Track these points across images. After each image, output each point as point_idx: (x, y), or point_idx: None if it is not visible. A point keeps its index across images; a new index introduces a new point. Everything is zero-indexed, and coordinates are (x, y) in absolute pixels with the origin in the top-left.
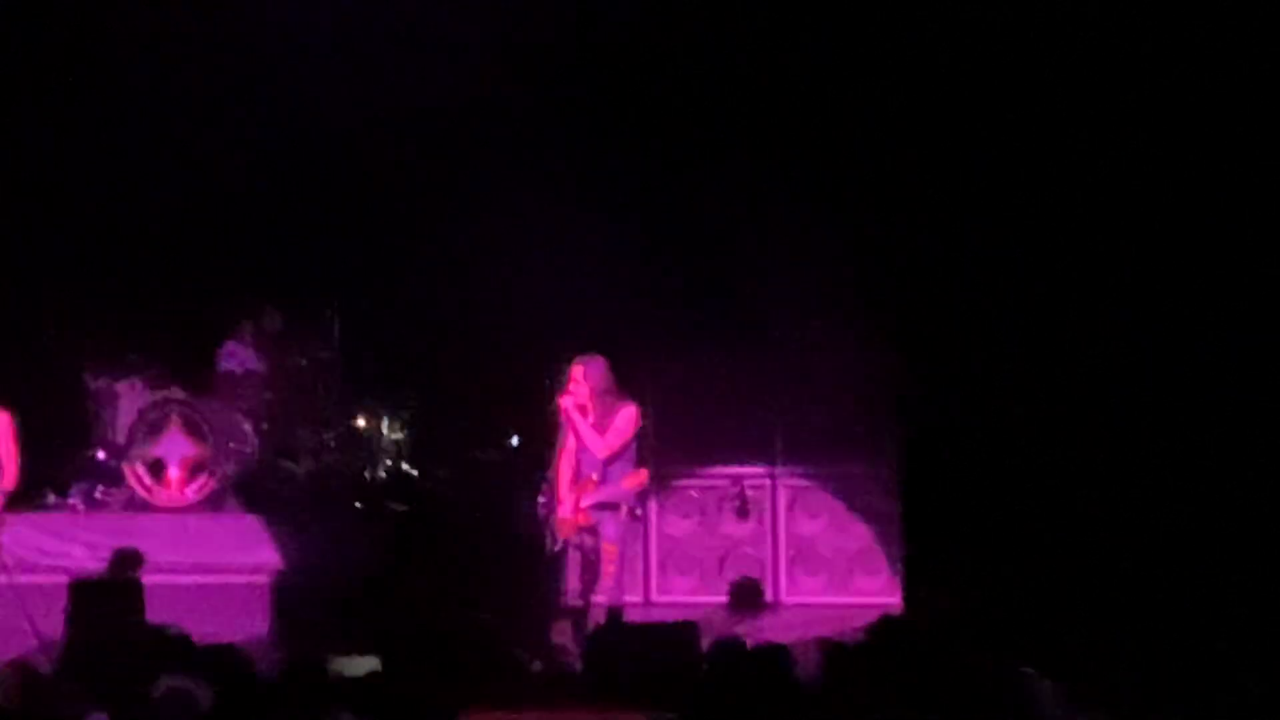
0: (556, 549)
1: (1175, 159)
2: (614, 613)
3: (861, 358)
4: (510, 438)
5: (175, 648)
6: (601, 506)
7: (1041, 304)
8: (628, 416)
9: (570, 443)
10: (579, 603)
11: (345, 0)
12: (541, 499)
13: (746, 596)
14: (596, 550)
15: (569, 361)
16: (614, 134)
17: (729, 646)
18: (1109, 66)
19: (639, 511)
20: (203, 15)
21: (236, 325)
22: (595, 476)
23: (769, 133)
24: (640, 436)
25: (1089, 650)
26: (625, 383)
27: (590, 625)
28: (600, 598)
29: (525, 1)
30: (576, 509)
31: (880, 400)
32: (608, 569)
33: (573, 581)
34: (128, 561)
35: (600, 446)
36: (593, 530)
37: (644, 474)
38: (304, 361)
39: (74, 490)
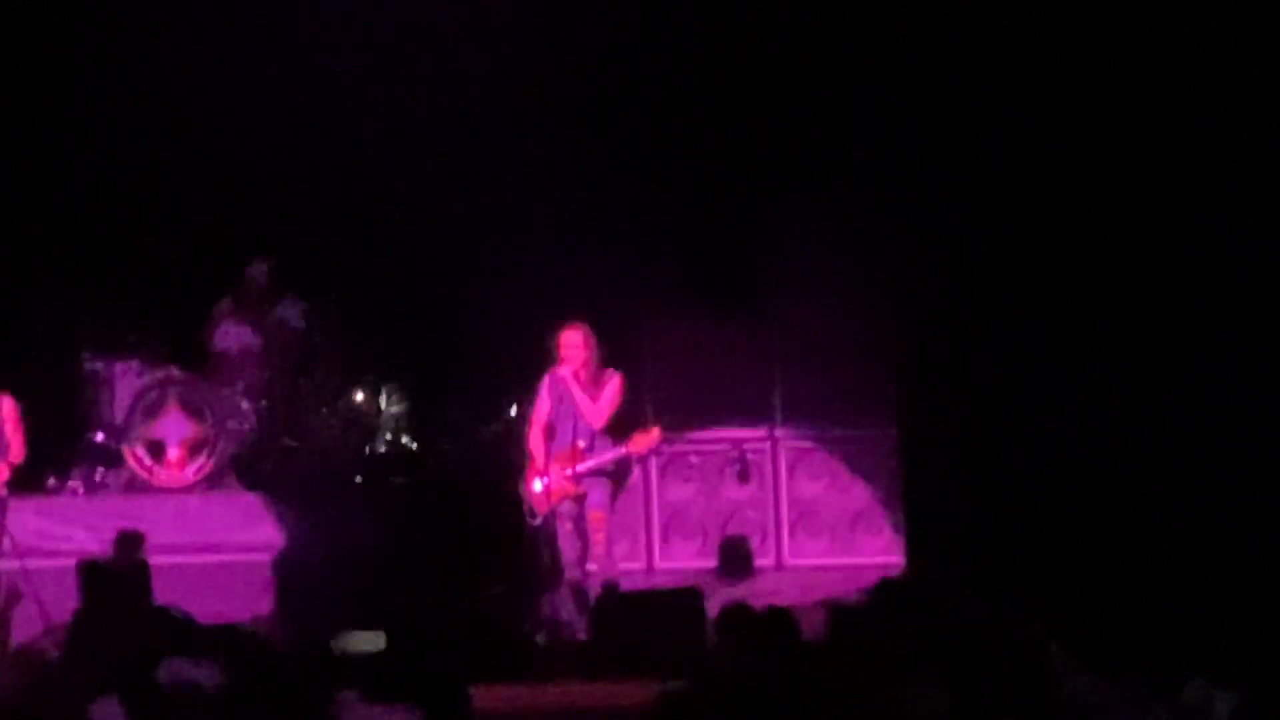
0: (538, 521)
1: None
2: (609, 582)
3: (859, 318)
4: (509, 409)
5: (180, 629)
6: (590, 474)
7: (1040, 264)
8: (616, 384)
9: (543, 411)
10: (576, 573)
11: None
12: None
13: (736, 559)
14: (584, 519)
15: (558, 330)
16: (608, 99)
17: (738, 612)
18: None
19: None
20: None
21: (221, 298)
22: (583, 444)
23: (765, 101)
24: (635, 402)
25: (1091, 606)
26: (623, 349)
27: (589, 596)
28: (593, 566)
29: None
30: (564, 478)
31: (879, 361)
32: (596, 537)
33: (568, 552)
34: (130, 543)
35: (595, 415)
36: (580, 499)
37: (656, 432)
38: (301, 337)
39: (74, 473)
